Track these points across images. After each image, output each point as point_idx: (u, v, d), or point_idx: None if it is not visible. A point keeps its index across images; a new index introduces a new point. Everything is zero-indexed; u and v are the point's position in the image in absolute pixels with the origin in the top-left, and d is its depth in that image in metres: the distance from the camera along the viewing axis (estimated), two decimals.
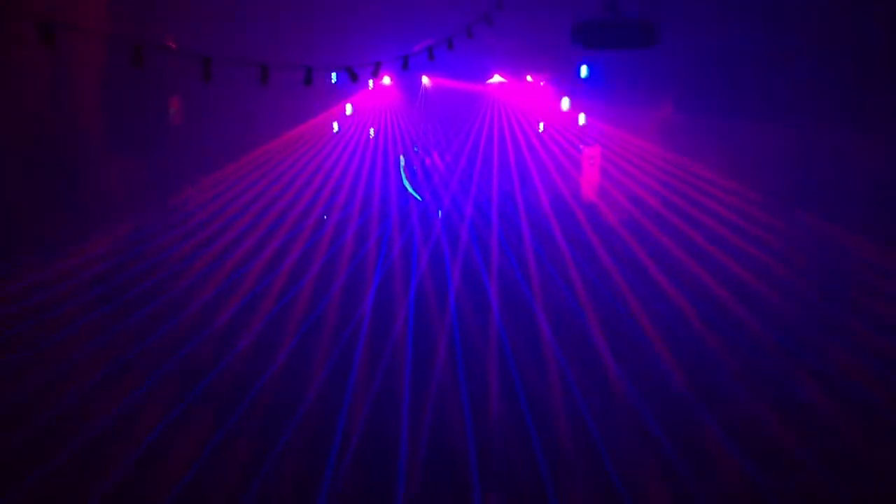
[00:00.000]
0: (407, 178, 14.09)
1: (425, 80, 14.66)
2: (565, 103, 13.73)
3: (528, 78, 14.61)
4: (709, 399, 6.64)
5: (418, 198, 13.73)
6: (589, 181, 13.62)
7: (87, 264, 9.36)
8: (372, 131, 14.32)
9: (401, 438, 6.02)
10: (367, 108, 14.71)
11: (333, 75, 12.79)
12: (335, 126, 14.29)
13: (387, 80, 14.49)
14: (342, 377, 7.19)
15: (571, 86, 13.64)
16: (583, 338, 8.13)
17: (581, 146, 13.97)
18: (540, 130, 14.10)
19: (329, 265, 10.51)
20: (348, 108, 14.28)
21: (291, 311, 8.93)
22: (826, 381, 6.89)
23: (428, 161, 14.34)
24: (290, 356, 7.73)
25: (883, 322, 7.92)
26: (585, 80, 13.08)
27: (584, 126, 13.84)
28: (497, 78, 14.73)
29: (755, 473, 5.50)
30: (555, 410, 6.51)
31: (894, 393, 6.59)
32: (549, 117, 14.51)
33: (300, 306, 9.04)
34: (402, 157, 14.31)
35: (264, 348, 7.93)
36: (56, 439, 5.83)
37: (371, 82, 13.96)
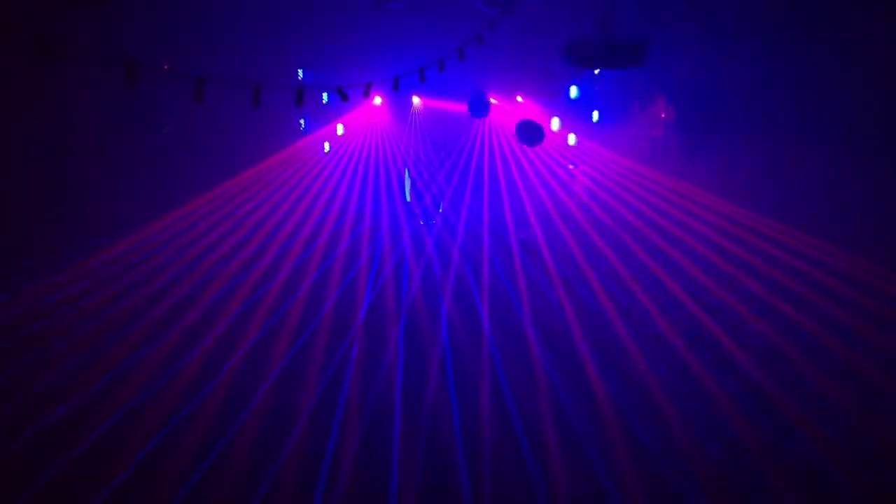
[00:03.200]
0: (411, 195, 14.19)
1: (416, 100, 14.70)
2: (555, 123, 13.79)
3: (519, 98, 14.67)
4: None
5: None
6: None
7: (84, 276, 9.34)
8: (327, 145, 14.29)
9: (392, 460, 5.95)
10: (359, 126, 14.74)
11: (325, 95, 12.90)
12: (326, 146, 14.31)
13: (378, 101, 14.52)
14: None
15: (563, 106, 13.74)
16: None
17: (570, 166, 14.04)
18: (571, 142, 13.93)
19: (323, 277, 10.55)
20: (339, 128, 14.31)
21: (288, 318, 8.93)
22: None
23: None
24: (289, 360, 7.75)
25: None
26: (575, 100, 13.24)
27: (573, 145, 13.94)
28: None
29: None
30: (547, 430, 6.45)
31: None
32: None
33: (294, 317, 9.02)
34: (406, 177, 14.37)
35: (260, 353, 7.98)
36: (45, 452, 5.76)
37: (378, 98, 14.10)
